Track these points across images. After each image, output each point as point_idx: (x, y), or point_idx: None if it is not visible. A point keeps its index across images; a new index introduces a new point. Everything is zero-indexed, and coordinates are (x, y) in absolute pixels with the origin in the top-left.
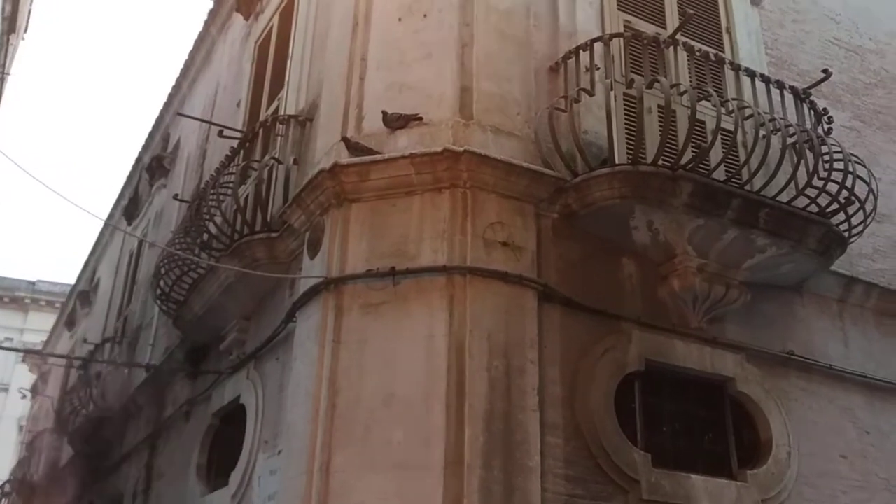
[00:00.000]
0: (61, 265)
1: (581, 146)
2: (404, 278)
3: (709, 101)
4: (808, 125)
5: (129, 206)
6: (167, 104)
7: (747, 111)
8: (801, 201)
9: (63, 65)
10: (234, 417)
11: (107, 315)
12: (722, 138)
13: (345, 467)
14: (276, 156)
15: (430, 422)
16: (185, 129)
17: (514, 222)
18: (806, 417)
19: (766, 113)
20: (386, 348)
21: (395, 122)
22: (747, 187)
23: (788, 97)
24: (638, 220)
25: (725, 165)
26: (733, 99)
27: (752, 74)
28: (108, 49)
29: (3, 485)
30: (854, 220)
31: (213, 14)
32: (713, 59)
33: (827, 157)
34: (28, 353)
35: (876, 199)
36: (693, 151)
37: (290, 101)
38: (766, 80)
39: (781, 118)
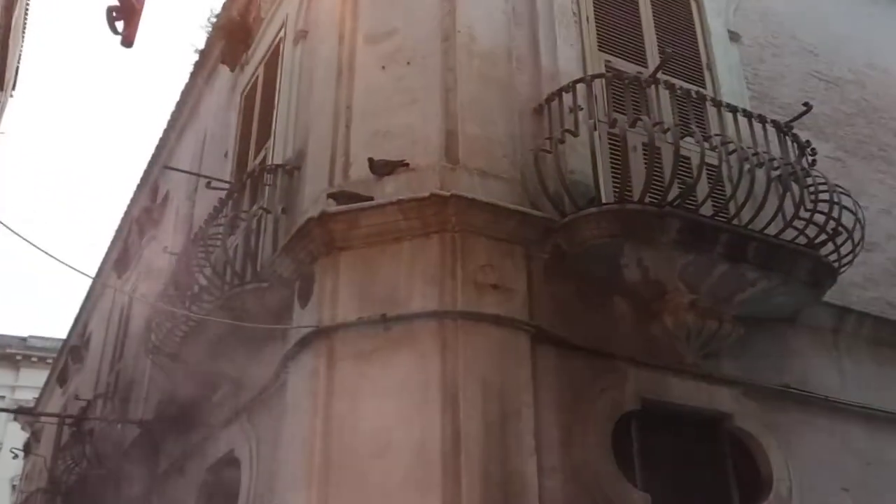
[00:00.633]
0: (53, 320)
1: (568, 186)
2: (396, 325)
3: (692, 137)
4: (792, 158)
5: (120, 259)
6: (155, 156)
7: (731, 146)
8: (790, 234)
9: (51, 121)
10: (228, 470)
11: (98, 370)
12: (707, 173)
13: None
14: (265, 205)
15: (426, 470)
16: (173, 180)
17: (504, 265)
18: (806, 451)
19: (749, 147)
20: (380, 396)
21: (382, 168)
22: (735, 221)
23: (771, 131)
24: (628, 259)
25: (712, 200)
26: (716, 135)
27: (733, 110)
28: (96, 103)
29: None
30: (843, 251)
31: (198, 66)
32: (695, 95)
33: (812, 189)
34: (20, 413)
35: (863, 228)
36: (679, 187)
37: (278, 150)
38: (748, 115)
39: (765, 152)
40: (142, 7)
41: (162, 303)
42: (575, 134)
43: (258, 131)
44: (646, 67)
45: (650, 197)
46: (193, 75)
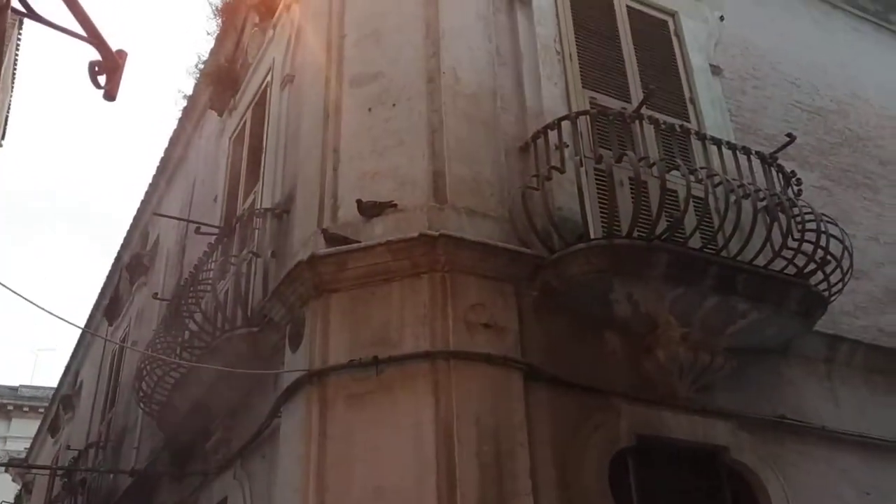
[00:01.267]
0: (44, 369)
1: (556, 223)
2: (388, 366)
3: (678, 170)
4: (778, 188)
5: (110, 306)
6: (145, 202)
7: (717, 178)
8: (779, 264)
9: (40, 171)
10: None
11: (90, 419)
12: (694, 206)
13: None
14: (254, 249)
15: None
16: (163, 226)
17: (494, 303)
18: (803, 482)
19: (735, 179)
20: (373, 439)
21: (371, 209)
22: (723, 253)
23: (756, 162)
24: (618, 294)
25: (700, 233)
26: (702, 168)
27: (718, 142)
28: (85, 150)
29: None
30: (832, 279)
31: (187, 112)
32: (679, 129)
33: (799, 219)
34: (11, 466)
35: (851, 256)
36: (667, 221)
37: (266, 194)
38: (733, 147)
39: (751, 183)
40: (124, 62)
41: (152, 350)
42: (561, 171)
43: (247, 175)
44: (630, 103)
45: (638, 231)
46: (182, 121)
